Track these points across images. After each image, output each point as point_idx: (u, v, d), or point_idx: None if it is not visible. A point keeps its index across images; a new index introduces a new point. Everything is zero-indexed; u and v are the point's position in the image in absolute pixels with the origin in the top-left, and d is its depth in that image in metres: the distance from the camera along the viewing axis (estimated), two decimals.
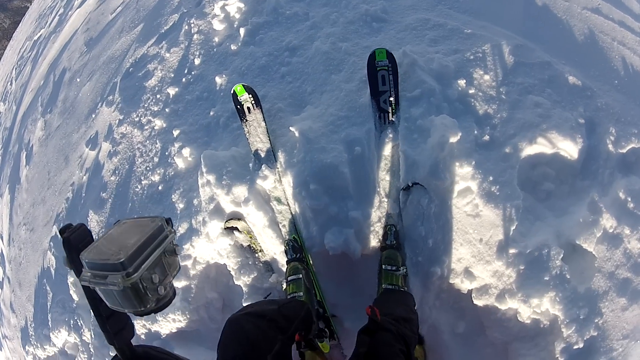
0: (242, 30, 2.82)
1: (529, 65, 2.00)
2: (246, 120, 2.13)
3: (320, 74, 2.25)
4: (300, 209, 1.97)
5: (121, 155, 3.04)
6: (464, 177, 1.73)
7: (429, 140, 1.78)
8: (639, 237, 1.65)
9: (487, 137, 1.82)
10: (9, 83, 8.07)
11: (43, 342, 3.00)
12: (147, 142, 2.89)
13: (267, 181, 2.03)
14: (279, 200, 2.04)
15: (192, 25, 3.28)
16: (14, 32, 15.88)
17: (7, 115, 6.75)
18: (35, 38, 7.81)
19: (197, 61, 2.98)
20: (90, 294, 0.89)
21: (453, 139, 1.72)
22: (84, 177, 3.32)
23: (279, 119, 2.19)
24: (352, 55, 2.24)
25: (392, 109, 1.92)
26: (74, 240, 0.91)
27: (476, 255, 1.72)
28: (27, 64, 7.21)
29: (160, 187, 2.62)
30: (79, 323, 2.73)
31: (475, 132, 1.82)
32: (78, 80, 4.44)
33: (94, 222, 2.92)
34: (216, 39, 3.01)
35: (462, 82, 1.93)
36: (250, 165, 2.11)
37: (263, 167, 2.03)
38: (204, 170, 2.17)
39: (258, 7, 2.92)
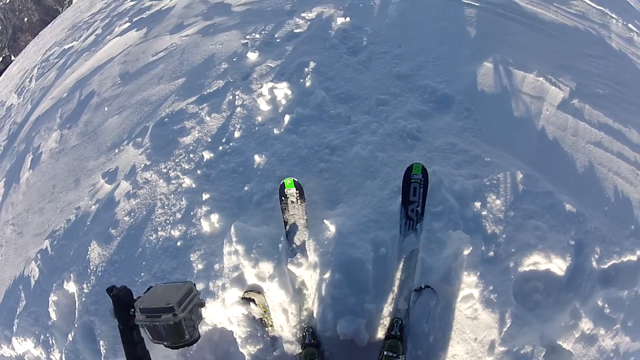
0: (286, 118, 3.23)
1: (534, 194, 2.49)
2: (287, 211, 2.50)
3: (357, 177, 2.69)
4: (322, 294, 2.30)
5: (140, 200, 3.25)
6: (469, 284, 2.13)
7: (444, 251, 2.21)
8: (612, 335, 2.05)
9: (492, 253, 2.24)
10: (28, 80, 8.40)
11: (1, 341, 3.15)
12: (172, 196, 3.13)
13: (300, 269, 2.38)
14: (304, 284, 2.39)
15: (237, 97, 3.67)
16: (40, 29, 16.35)
17: (19, 111, 7.01)
18: (66, 47, 8.21)
19: (237, 134, 3.33)
20: (127, 337, 1.39)
21: (465, 252, 2.14)
22: (93, 206, 3.49)
23: (313, 210, 2.58)
24: (387, 166, 2.71)
25: (417, 218, 2.34)
26: (121, 296, 1.40)
27: (469, 352, 2.08)
28: (52, 69, 7.52)
29: (178, 243, 2.82)
30: (50, 342, 2.88)
31: (483, 247, 2.24)
32: (106, 109, 4.70)
33: (95, 253, 3.08)
34: (259, 118, 3.40)
35: (477, 204, 2.40)
36: (280, 246, 2.44)
37: (298, 255, 2.39)
38: (233, 239, 2.43)
39: (304, 99, 3.38)
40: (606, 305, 2.11)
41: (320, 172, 2.80)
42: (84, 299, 2.84)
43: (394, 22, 4.14)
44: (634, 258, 2.28)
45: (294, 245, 2.45)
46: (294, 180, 2.49)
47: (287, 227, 2.49)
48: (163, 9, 6.52)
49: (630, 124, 3.07)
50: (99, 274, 2.95)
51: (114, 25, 7.23)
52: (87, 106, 4.98)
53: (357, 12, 4.33)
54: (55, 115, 5.31)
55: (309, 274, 2.38)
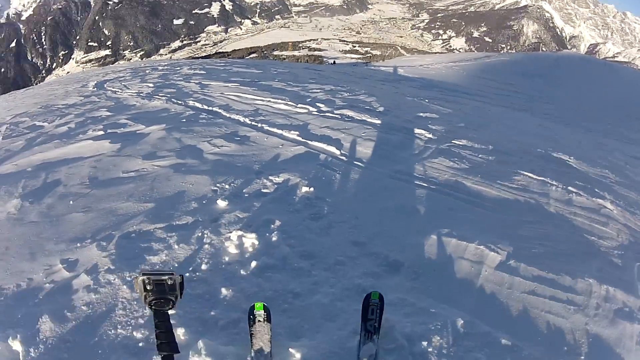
0: (253, 263, 3.82)
1: (473, 334, 3.14)
2: (255, 329, 2.98)
3: (318, 319, 3.29)
4: None
5: (101, 297, 3.44)
6: None
7: None
8: None
9: None
10: None
11: None
12: (135, 303, 3.38)
13: None
14: None
15: (206, 235, 4.20)
16: (11, 88, 16.60)
17: None
18: (37, 124, 8.50)
19: (204, 266, 3.80)
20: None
21: None
22: (48, 284, 3.59)
23: (278, 340, 3.07)
24: (346, 313, 3.33)
25: (374, 331, 2.97)
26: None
27: None
28: (21, 137, 7.67)
29: (140, 344, 3.01)
30: None
31: None
32: (71, 202, 4.93)
33: (47, 326, 3.16)
34: (226, 258, 3.93)
35: (424, 343, 3.03)
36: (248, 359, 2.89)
37: None
38: (202, 353, 2.84)
39: (270, 250, 4.03)
40: None
41: (284, 312, 3.37)
42: None
43: (352, 197, 5.13)
44: None
45: (259, 356, 2.88)
46: (264, 304, 3.04)
47: (253, 341, 2.91)
48: (137, 132, 7.35)
49: (563, 272, 3.88)
50: (49, 346, 3.05)
51: (87, 126, 7.85)
52: (53, 191, 5.26)
53: (320, 184, 5.31)
54: (17, 184, 5.50)
55: None
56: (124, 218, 4.62)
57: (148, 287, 1.73)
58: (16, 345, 3.12)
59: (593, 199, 5.52)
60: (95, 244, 4.14)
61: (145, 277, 1.72)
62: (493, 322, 3.28)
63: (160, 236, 4.25)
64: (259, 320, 2.98)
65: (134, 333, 3.16)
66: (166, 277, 1.75)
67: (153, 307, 1.71)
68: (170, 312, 1.92)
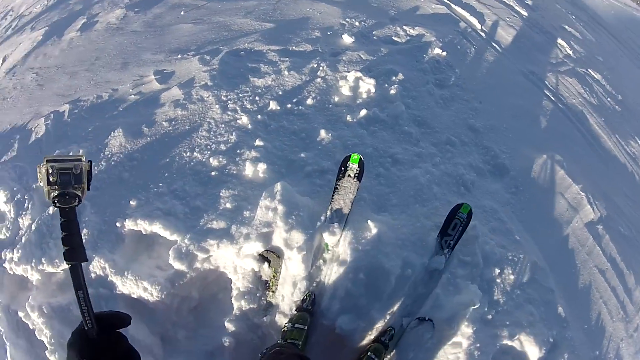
0: (362, 111, 3.59)
1: (539, 285, 3.00)
2: (342, 183, 2.85)
3: (409, 197, 3.13)
4: (338, 283, 2.62)
5: (188, 113, 3.39)
6: (464, 334, 2.62)
7: (457, 297, 2.69)
8: None
9: (490, 317, 2.74)
10: None
11: None
12: (223, 125, 3.29)
13: (333, 238, 2.71)
14: (325, 261, 2.74)
15: (321, 68, 3.98)
16: None
17: None
18: None
19: (309, 101, 3.62)
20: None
21: (475, 305, 2.63)
22: (133, 95, 3.58)
23: (360, 206, 2.96)
24: (438, 201, 3.15)
25: (447, 252, 2.84)
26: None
27: None
28: None
29: (212, 173, 2.98)
30: (26, 205, 2.89)
31: (486, 309, 2.74)
32: (182, 13, 4.86)
33: (116, 141, 3.17)
34: (336, 98, 3.73)
35: (497, 270, 2.91)
36: (318, 224, 2.76)
37: (336, 224, 2.73)
38: (277, 197, 2.68)
39: (384, 103, 3.77)
40: None
41: (377, 177, 3.21)
42: None
43: (482, 78, 4.68)
44: None
45: (334, 215, 2.79)
46: (360, 157, 2.85)
47: (335, 196, 2.81)
48: None
49: (632, 269, 3.64)
50: (112, 163, 3.03)
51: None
52: (164, 1, 5.09)
53: (454, 51, 4.83)
54: None
55: (333, 261, 2.69)
56: (237, 34, 4.33)
57: (51, 179, 1.39)
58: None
59: None
60: (198, 57, 3.93)
61: (49, 165, 1.36)
62: (561, 281, 3.14)
63: (272, 58, 3.98)
64: (349, 175, 2.81)
65: (211, 160, 3.04)
66: (73, 164, 1.39)
67: (57, 205, 1.34)
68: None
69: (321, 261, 2.71)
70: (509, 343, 2.71)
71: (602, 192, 4.04)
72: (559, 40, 6.41)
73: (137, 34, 4.48)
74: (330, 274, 2.65)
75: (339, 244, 2.70)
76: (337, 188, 2.82)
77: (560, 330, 2.86)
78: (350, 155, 2.86)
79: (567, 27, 7.20)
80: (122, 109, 3.47)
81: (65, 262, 1.22)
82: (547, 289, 2.99)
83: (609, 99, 5.81)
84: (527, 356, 2.72)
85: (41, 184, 1.33)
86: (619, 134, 5.14)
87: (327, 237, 2.69)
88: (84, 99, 3.60)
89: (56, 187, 1.33)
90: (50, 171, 1.34)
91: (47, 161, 1.32)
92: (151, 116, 3.37)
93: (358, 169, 2.83)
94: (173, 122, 3.32)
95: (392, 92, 3.83)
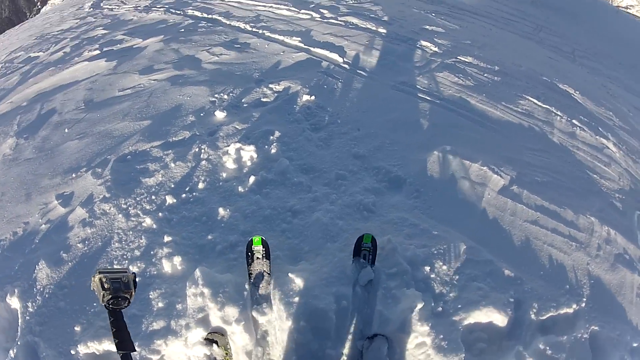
0: (251, 178, 3.68)
1: (476, 262, 3.07)
2: (253, 265, 2.90)
3: (318, 239, 3.19)
4: (285, 339, 2.65)
5: (96, 230, 3.39)
6: (422, 333, 2.63)
7: (399, 305, 2.71)
8: None
9: (440, 308, 2.78)
10: None
11: None
12: (131, 232, 3.33)
13: (265, 317, 2.75)
14: (267, 331, 2.76)
15: (203, 150, 4.08)
16: (7, 27, 16.88)
17: None
18: (32, 55, 8.44)
19: (201, 185, 3.69)
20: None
21: (418, 307, 2.66)
22: (43, 225, 3.55)
23: (277, 264, 3.00)
24: (346, 232, 3.23)
25: (370, 265, 2.89)
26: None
27: None
28: (16, 73, 7.66)
29: (137, 279, 2.90)
30: None
31: (433, 304, 2.78)
32: (66, 130, 4.85)
33: (43, 274, 3.18)
34: (224, 174, 3.81)
35: (427, 268, 2.97)
36: (245, 293, 2.79)
37: (264, 304, 2.78)
38: (199, 282, 2.74)
39: (268, 164, 3.89)
40: (548, 348, 2.70)
41: (283, 232, 3.26)
42: (28, 317, 2.91)
43: (354, 107, 4.88)
44: (570, 310, 2.92)
45: (258, 295, 2.84)
46: (262, 239, 2.91)
47: (252, 279, 2.87)
48: (134, 46, 7.11)
49: (565, 206, 3.79)
50: (46, 295, 3.02)
51: (83, 48, 7.70)
52: (47, 122, 5.18)
53: (321, 92, 5.06)
54: (12, 122, 5.43)
55: (273, 321, 2.75)
56: (120, 139, 4.45)
57: (106, 286, 1.73)
58: (14, 302, 3.07)
59: (596, 137, 5.33)
60: (91, 172, 4.00)
61: (102, 275, 1.72)
62: (496, 250, 3.21)
63: (156, 155, 4.09)
64: (258, 258, 2.89)
65: (131, 268, 3.06)
66: (121, 275, 1.76)
67: (110, 307, 1.71)
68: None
69: (264, 323, 2.75)
70: (471, 321, 2.74)
71: (505, 158, 4.20)
72: (422, 42, 6.84)
73: (32, 161, 4.48)
74: (275, 332, 2.69)
75: (273, 318, 2.74)
76: (250, 274, 2.87)
77: (517, 288, 2.91)
78: (251, 240, 2.90)
79: (427, 26, 7.73)
80: (37, 241, 3.45)
81: (117, 352, 1.61)
82: (485, 262, 3.04)
83: (485, 75, 6.17)
84: (496, 324, 2.76)
85: (94, 290, 1.70)
86: (505, 101, 5.42)
87: (259, 317, 2.73)
88: (2, 237, 3.57)
89: (109, 291, 1.67)
90: (103, 279, 1.69)
91: (99, 272, 1.70)
92: (65, 241, 3.35)
93: (264, 249, 2.89)
94: (86, 242, 3.32)
95: (273, 151, 3.96)
